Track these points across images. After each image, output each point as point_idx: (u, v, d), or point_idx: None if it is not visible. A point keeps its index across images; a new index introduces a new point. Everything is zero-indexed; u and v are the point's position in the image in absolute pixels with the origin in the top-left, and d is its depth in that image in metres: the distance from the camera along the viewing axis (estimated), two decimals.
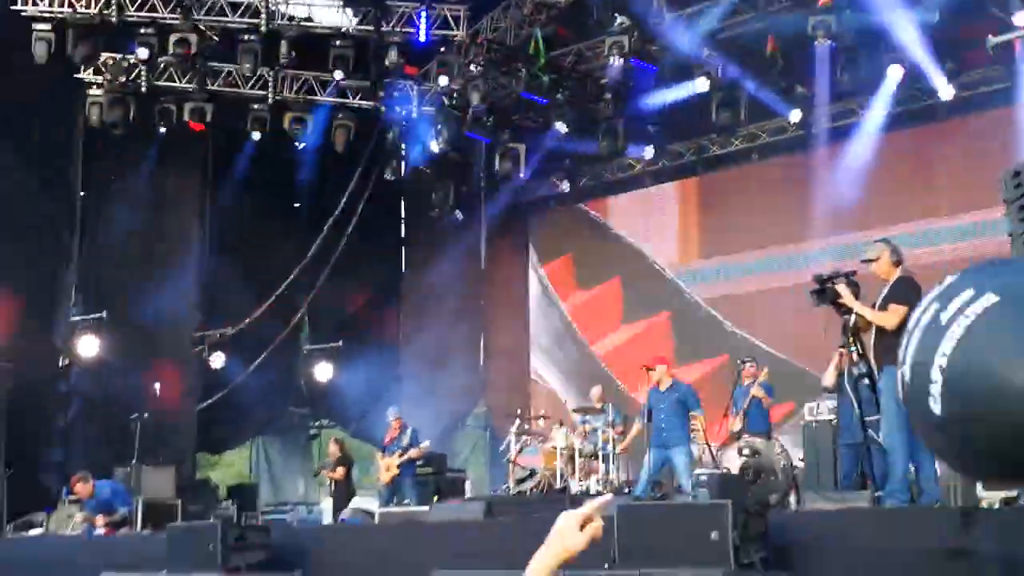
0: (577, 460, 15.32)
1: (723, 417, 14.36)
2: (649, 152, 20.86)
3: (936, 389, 2.31)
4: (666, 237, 21.20)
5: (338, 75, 18.41)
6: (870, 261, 9.62)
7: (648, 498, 12.85)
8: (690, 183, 21.20)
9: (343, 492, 17.93)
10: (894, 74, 16.96)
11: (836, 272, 9.56)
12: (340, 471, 17.98)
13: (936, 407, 2.32)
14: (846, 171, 18.57)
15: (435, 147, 19.78)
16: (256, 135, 19.42)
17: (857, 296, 9.39)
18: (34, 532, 16.07)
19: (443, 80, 18.69)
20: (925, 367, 2.34)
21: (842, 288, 9.33)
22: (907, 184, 18.26)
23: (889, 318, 9.20)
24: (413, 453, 16.65)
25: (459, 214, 21.61)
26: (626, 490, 14.59)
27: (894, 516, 9.11)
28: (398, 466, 16.60)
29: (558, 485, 15.01)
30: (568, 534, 2.70)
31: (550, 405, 20.66)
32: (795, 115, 18.72)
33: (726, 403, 14.32)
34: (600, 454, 15.28)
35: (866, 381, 9.49)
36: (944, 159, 17.98)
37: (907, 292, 9.30)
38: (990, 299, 2.31)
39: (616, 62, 17.11)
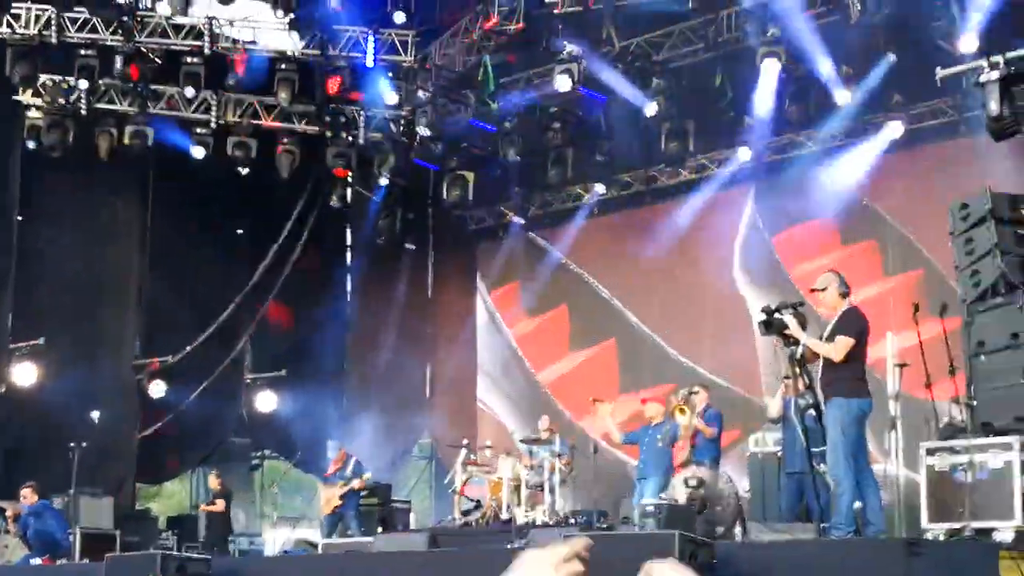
0: (523, 491, 15.15)
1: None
2: (600, 187, 20.83)
3: None
4: (614, 265, 21.11)
5: (283, 99, 18.19)
6: (818, 291, 9.61)
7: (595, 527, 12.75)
8: (639, 213, 21.13)
9: (220, 526, 17.95)
10: (842, 100, 16.98)
11: (783, 303, 9.51)
12: (220, 503, 18.05)
13: None
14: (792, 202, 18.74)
15: (382, 174, 19.62)
16: (199, 152, 19.11)
17: (804, 327, 9.34)
18: None
19: (389, 106, 18.52)
20: None
21: (789, 319, 9.27)
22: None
23: (836, 350, 9.25)
24: (356, 484, 16.47)
25: (410, 244, 21.46)
26: (571, 520, 14.45)
27: (840, 547, 9.04)
28: (340, 496, 16.39)
29: (504, 516, 14.82)
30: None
31: (496, 434, 20.50)
32: (743, 150, 18.77)
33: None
34: (547, 485, 15.12)
35: (812, 412, 9.41)
36: (890, 191, 18.03)
37: (853, 324, 9.34)
38: None
39: (562, 83, 17.00)
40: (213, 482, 18.48)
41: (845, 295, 9.56)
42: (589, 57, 17.21)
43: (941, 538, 9.42)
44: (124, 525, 17.30)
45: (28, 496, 15.68)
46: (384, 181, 20.10)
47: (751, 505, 13.15)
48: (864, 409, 9.39)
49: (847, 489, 9.34)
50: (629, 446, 14.91)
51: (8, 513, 15.72)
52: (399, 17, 17.21)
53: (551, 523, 14.46)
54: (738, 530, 11.75)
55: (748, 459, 14.35)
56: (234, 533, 18.48)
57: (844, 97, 16.78)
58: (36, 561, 15.05)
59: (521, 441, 16.92)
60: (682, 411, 13.64)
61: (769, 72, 16.17)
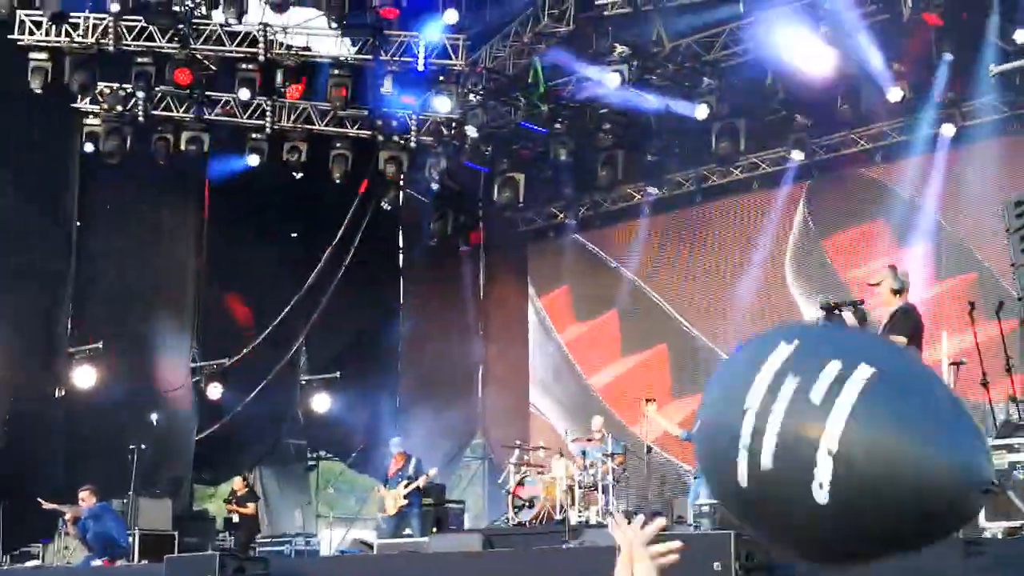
0: (577, 491, 15.20)
1: None
2: (652, 188, 20.82)
3: (824, 475, 2.08)
4: (664, 267, 21.09)
5: (336, 104, 18.37)
6: (875, 285, 9.53)
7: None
8: (690, 213, 21.09)
9: (249, 528, 18.01)
10: (894, 99, 16.81)
11: (844, 300, 9.46)
12: (251, 507, 18.07)
13: (821, 495, 2.12)
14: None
15: (433, 177, 19.74)
16: (254, 160, 19.34)
17: (864, 324, 9.27)
18: (31, 564, 15.98)
19: (442, 109, 18.63)
20: (804, 452, 2.11)
21: (848, 316, 9.23)
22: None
23: None
24: (421, 482, 16.41)
25: (463, 247, 21.57)
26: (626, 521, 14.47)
27: None
28: (405, 496, 16.37)
29: (557, 516, 14.88)
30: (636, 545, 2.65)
31: (547, 437, 20.54)
32: (797, 146, 18.68)
33: None
34: (600, 485, 15.17)
35: None
36: (943, 191, 17.84)
37: (906, 322, 9.22)
38: (865, 372, 2.10)
39: (614, 83, 17.01)
40: (239, 484, 18.45)
41: (898, 292, 9.39)
42: (640, 57, 17.22)
43: (999, 536, 9.38)
44: (182, 526, 17.48)
45: (87, 499, 15.82)
46: (435, 184, 20.21)
47: None
48: None
49: None
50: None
51: (68, 516, 15.90)
52: (450, 17, 17.27)
53: (604, 523, 14.50)
54: None
55: None
56: (261, 535, 18.55)
57: (896, 95, 16.63)
58: (96, 563, 15.25)
59: (573, 441, 16.95)
60: None
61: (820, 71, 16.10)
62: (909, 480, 2.06)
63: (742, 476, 2.17)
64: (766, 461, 2.14)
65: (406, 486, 16.35)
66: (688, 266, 20.68)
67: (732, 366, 2.34)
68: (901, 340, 9.05)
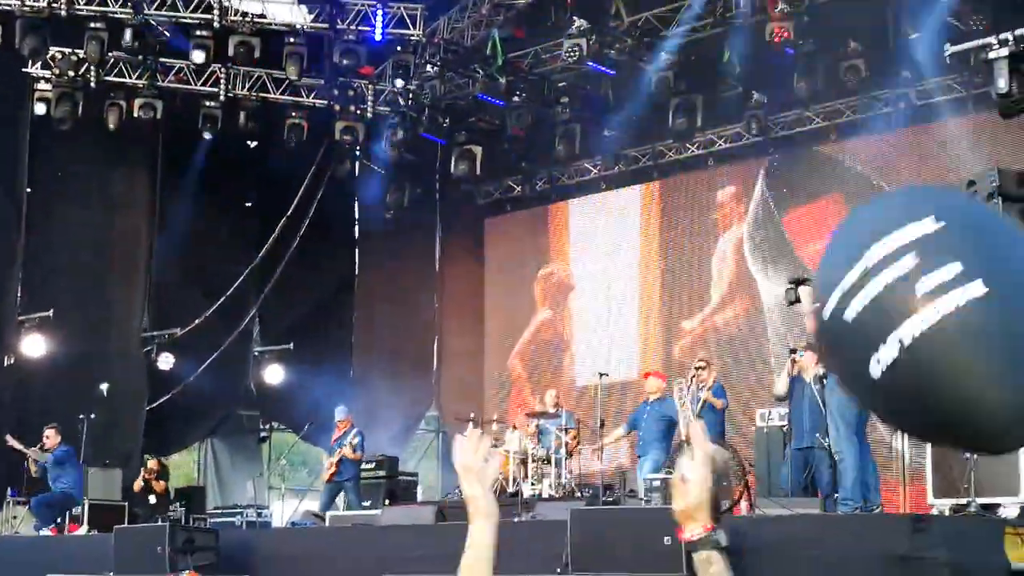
0: (530, 464, 15.22)
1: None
2: (608, 159, 20.82)
3: (887, 356, 2.15)
4: (621, 241, 21.13)
5: (291, 73, 18.21)
6: None
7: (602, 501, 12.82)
8: (648, 188, 21.12)
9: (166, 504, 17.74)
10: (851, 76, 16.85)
11: (806, 277, 9.51)
12: (161, 484, 17.79)
13: (876, 371, 2.18)
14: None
15: (390, 147, 19.63)
16: (207, 136, 19.15)
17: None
18: None
19: (399, 80, 18.52)
20: (881, 326, 2.17)
21: (804, 292, 9.28)
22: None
23: None
24: (346, 452, 16.19)
25: (416, 218, 21.49)
26: (578, 494, 14.53)
27: (846, 522, 9.09)
28: (336, 464, 16.26)
29: (511, 489, 14.89)
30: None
31: (507, 408, 20.60)
32: (752, 122, 18.71)
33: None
34: (553, 458, 15.20)
35: (826, 382, 9.45)
36: (898, 169, 17.96)
37: None
38: (977, 289, 2.10)
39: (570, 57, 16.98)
40: (154, 463, 18.18)
41: None
42: (597, 31, 17.18)
43: (946, 514, 9.47)
44: (132, 497, 17.41)
45: (51, 437, 15.76)
46: (392, 154, 20.08)
47: (756, 480, 13.20)
48: None
49: (851, 465, 9.39)
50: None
51: (31, 458, 15.82)
52: None
53: (557, 496, 14.54)
54: (744, 504, 11.79)
55: (754, 434, 14.42)
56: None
57: (854, 72, 16.68)
58: (45, 532, 15.17)
59: (527, 415, 16.97)
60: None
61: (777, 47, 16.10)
62: (956, 409, 2.11)
63: (826, 312, 2.24)
64: (850, 313, 2.18)
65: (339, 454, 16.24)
66: (646, 239, 20.72)
67: (875, 212, 2.35)
68: None
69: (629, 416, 15.10)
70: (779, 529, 8.95)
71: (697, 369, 14.32)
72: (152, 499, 17.43)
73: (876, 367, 2.14)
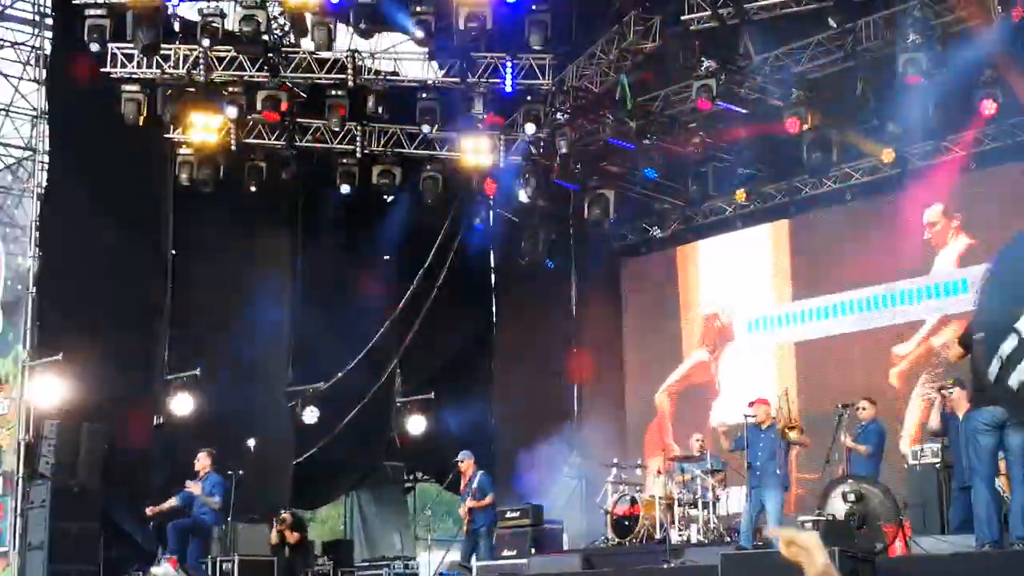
0: (676, 509, 15.05)
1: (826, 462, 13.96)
2: (741, 195, 20.61)
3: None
4: (758, 281, 20.91)
5: (425, 127, 18.46)
6: None
7: (751, 547, 12.59)
8: (781, 225, 20.89)
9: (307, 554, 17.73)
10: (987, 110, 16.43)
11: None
12: (295, 535, 17.46)
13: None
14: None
15: (523, 196, 19.73)
16: (345, 189, 19.48)
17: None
18: None
19: (530, 129, 18.63)
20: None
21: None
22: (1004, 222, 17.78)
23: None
24: (470, 503, 16.24)
25: (550, 262, 21.51)
26: (727, 539, 14.32)
27: (1002, 558, 8.81)
28: (469, 511, 16.27)
29: (658, 535, 14.74)
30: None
31: (650, 450, 20.46)
32: (887, 154, 18.36)
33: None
34: (700, 502, 15.01)
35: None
36: None
37: None
38: None
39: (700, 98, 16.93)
40: (287, 515, 17.84)
41: None
42: (726, 71, 17.11)
43: None
44: (280, 552, 17.55)
45: (201, 459, 15.98)
46: (526, 202, 20.18)
47: (912, 519, 12.86)
48: (981, 420, 9.02)
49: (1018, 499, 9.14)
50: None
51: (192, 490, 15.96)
52: (535, 41, 17.25)
53: (706, 541, 14.36)
54: (899, 545, 11.49)
55: (907, 471, 14.06)
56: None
57: (990, 105, 16.24)
58: (164, 565, 15.23)
59: (672, 459, 16.81)
60: (792, 429, 13.45)
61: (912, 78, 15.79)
62: None
63: (991, 373, 2.53)
64: (1013, 382, 2.41)
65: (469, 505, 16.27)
66: (783, 276, 20.48)
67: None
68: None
69: (737, 436, 14.26)
70: (936, 569, 8.71)
71: (855, 408, 13.91)
72: (287, 552, 17.52)
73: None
